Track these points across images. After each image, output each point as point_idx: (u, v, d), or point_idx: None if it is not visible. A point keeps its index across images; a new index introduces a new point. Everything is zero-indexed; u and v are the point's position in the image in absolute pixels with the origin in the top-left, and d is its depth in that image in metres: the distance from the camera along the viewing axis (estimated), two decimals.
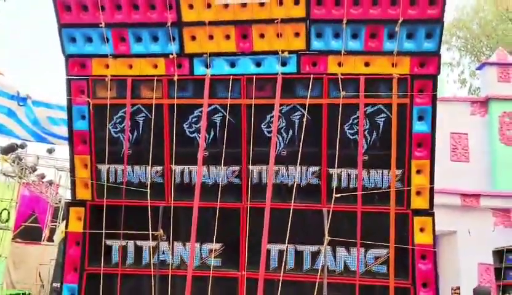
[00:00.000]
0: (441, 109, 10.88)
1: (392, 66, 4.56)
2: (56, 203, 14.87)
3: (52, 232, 15.64)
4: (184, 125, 4.89)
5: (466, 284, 9.59)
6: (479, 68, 12.18)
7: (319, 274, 4.52)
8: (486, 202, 10.52)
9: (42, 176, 14.01)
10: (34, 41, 41.52)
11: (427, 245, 4.56)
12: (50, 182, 14.62)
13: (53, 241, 15.06)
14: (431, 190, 4.63)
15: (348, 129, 4.70)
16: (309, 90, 4.61)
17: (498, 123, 11.04)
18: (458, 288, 10.42)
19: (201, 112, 4.78)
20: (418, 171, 4.63)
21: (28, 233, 15.15)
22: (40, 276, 15.00)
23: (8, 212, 11.62)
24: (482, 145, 11.04)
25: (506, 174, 10.66)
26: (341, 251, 4.69)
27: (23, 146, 11.98)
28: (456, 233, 10.57)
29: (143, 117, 4.96)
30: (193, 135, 4.89)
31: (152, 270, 4.77)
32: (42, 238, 15.45)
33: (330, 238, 4.55)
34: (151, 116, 4.88)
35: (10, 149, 11.10)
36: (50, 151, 13.06)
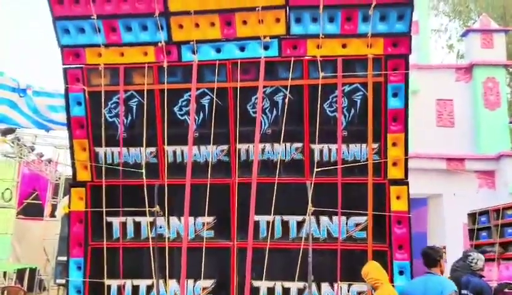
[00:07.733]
0: (427, 77, 11.41)
1: (367, 47, 4.86)
2: (56, 180, 15.16)
3: (54, 207, 16.06)
4: (174, 108, 5.21)
5: (452, 244, 10.09)
6: (463, 35, 12.39)
7: (303, 241, 4.91)
8: (471, 165, 10.97)
9: (41, 155, 14.31)
10: (34, 34, 41.56)
11: (402, 212, 4.96)
12: (49, 160, 14.93)
13: (55, 216, 15.50)
14: (406, 161, 5.00)
15: (328, 107, 5.03)
16: (291, 72, 4.92)
17: (482, 88, 11.34)
18: (445, 247, 10.95)
19: (190, 95, 5.09)
20: (394, 144, 4.99)
21: (30, 210, 15.53)
22: (45, 250, 15.49)
23: (11, 192, 11.94)
24: (466, 110, 11.38)
25: (490, 138, 11.06)
26: (324, 219, 5.08)
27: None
28: (442, 196, 11.04)
29: (135, 102, 5.26)
30: (183, 117, 5.21)
31: (150, 243, 5.16)
32: (44, 214, 15.86)
33: (313, 208, 4.94)
34: (144, 101, 5.18)
35: (9, 131, 11.38)
36: (47, 130, 13.25)
